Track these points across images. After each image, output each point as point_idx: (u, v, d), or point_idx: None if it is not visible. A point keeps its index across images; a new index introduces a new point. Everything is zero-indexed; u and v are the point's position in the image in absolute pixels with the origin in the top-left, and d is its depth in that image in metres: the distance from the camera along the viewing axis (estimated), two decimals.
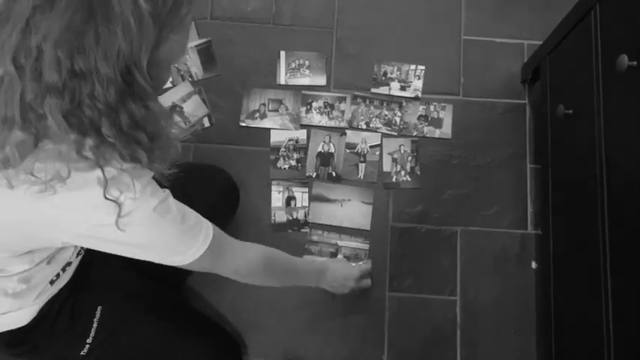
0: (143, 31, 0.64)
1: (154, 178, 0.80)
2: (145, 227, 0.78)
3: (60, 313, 1.02)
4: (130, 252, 0.83)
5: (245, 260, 1.03)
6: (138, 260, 0.86)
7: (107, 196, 0.71)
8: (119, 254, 0.83)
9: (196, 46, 1.60)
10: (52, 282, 0.98)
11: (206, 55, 1.60)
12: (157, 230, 0.80)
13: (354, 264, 1.40)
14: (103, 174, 0.71)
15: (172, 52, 0.73)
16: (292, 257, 1.19)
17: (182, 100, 1.55)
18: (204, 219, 0.89)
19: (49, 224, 0.75)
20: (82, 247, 1.03)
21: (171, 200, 0.82)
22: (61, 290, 1.01)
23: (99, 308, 1.06)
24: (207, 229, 0.88)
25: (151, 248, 0.83)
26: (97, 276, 1.08)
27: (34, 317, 0.98)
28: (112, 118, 0.67)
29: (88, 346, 1.05)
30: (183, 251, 0.85)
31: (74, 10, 0.61)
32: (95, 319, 1.05)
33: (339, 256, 1.46)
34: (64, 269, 0.99)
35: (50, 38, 0.61)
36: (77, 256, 1.02)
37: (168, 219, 0.80)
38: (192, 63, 1.59)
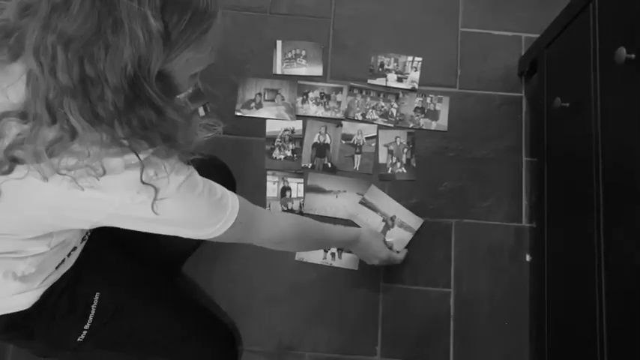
0: (152, 47, 0.66)
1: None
2: (175, 204, 0.80)
3: (60, 298, 1.02)
4: (162, 229, 0.85)
5: (277, 230, 1.07)
6: (136, 247, 0.86)
7: (144, 179, 0.74)
8: (150, 232, 0.85)
9: None
10: (56, 266, 0.99)
11: None
12: (186, 205, 0.83)
13: (389, 240, 1.42)
14: (139, 157, 0.73)
15: (188, 66, 0.76)
16: (323, 226, 1.21)
17: None
18: (229, 191, 0.92)
19: (83, 207, 0.77)
20: (87, 233, 1.04)
21: (197, 176, 0.85)
22: (64, 275, 1.02)
23: (97, 294, 1.06)
24: (233, 201, 0.91)
25: (182, 224, 0.86)
26: (96, 262, 1.08)
27: (37, 301, 0.99)
28: (122, 121, 0.69)
29: (85, 332, 1.05)
30: (213, 224, 0.88)
31: (85, 18, 0.63)
32: (93, 306, 1.05)
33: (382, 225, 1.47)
34: (69, 254, 1.00)
35: (62, 41, 0.64)
36: (82, 242, 1.04)
37: (196, 194, 0.83)
38: None
